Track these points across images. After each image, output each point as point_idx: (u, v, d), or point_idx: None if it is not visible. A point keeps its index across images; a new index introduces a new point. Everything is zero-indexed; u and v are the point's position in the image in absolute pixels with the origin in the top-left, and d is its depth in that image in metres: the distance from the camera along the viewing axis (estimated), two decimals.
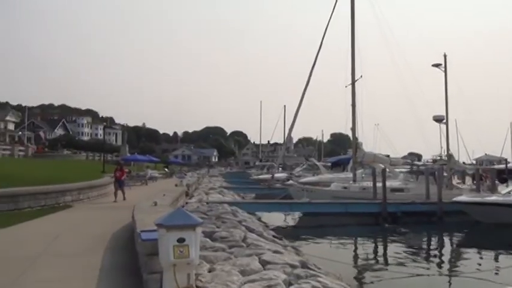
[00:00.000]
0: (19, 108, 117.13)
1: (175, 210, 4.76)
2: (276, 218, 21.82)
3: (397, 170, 28.95)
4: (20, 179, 16.76)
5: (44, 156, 51.69)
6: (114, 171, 19.46)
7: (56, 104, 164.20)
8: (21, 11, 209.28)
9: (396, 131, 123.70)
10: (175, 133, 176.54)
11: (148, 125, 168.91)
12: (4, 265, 6.87)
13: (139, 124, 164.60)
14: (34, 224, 11.56)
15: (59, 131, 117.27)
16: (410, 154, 59.97)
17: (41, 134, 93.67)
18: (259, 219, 19.35)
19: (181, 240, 4.33)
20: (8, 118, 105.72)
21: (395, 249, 15.22)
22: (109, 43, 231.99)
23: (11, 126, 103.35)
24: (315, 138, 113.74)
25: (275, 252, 8.00)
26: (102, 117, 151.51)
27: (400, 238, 17.28)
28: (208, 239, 8.57)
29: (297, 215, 22.92)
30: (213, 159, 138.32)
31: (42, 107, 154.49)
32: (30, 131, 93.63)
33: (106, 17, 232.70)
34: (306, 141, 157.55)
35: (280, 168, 50.89)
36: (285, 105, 66.63)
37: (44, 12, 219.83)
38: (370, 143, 39.67)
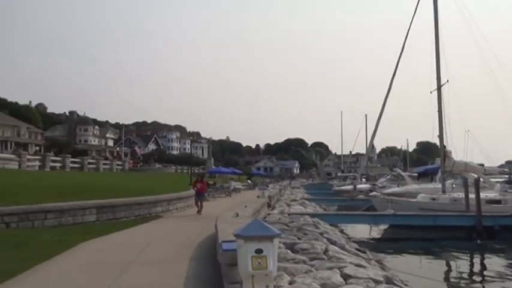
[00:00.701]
0: (117, 126, 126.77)
1: (252, 221, 4.78)
2: (359, 231, 21.13)
3: (492, 179, 26.69)
4: (119, 190, 18.04)
5: (138, 169, 55.33)
6: (194, 183, 19.03)
7: (149, 121, 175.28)
8: (119, 33, 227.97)
9: (490, 138, 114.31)
10: (257, 145, 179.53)
11: (232, 139, 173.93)
12: (102, 270, 7.38)
13: (224, 138, 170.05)
14: (129, 232, 12.32)
15: (151, 146, 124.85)
16: (508, 163, 55.06)
17: (136, 149, 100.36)
18: (341, 231, 18.88)
19: (259, 251, 4.33)
20: (108, 135, 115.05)
21: (493, 267, 13.93)
22: (193, 65, 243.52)
23: (110, 143, 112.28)
24: (399, 147, 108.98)
25: (358, 265, 7.72)
26: (189, 132, 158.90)
27: (497, 255, 15.80)
28: (289, 251, 8.52)
29: (381, 227, 22.01)
30: (295, 171, 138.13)
31: (136, 124, 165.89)
32: (127, 147, 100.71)
33: (180, 39, 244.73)
34: (389, 151, 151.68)
35: (363, 179, 49.42)
36: (366, 114, 64.76)
37: (135, 33, 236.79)
38: (460, 151, 37.02)
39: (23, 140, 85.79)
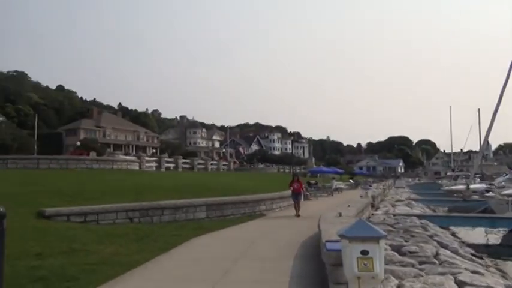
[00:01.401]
0: (222, 128, 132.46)
1: (357, 222, 4.65)
2: (474, 235, 19.39)
3: None
4: (225, 189, 18.86)
5: (243, 169, 57.27)
6: (290, 183, 17.66)
7: (251, 122, 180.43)
8: (232, 40, 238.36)
9: None
10: (358, 144, 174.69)
11: (332, 138, 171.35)
12: (212, 263, 7.78)
13: (324, 137, 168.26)
14: (236, 229, 12.81)
15: (254, 147, 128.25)
16: None
17: (240, 150, 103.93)
18: (453, 234, 17.52)
19: (364, 253, 4.20)
20: (214, 137, 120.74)
21: None
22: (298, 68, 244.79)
23: (216, 144, 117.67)
24: None
25: (474, 272, 7.11)
26: (290, 132, 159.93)
27: None
28: (395, 253, 8.14)
29: (500, 231, 19.95)
30: (399, 170, 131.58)
31: (240, 126, 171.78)
32: (232, 148, 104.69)
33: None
34: (508, 148, 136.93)
35: (477, 179, 45.30)
36: (479, 109, 59.18)
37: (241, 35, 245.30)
38: None
39: (142, 143, 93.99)
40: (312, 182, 33.85)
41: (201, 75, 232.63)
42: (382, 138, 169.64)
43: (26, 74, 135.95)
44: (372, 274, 4.18)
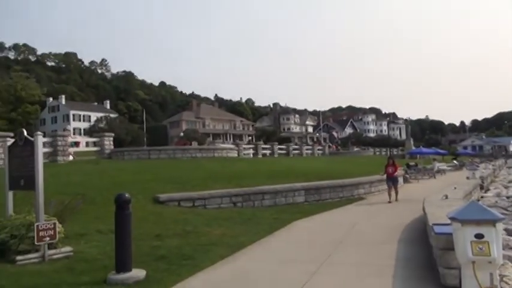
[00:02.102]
0: (314, 113, 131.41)
1: (469, 204, 4.39)
2: None
3: None
4: (322, 173, 18.81)
5: (337, 153, 56.44)
6: (385, 166, 16.22)
7: (344, 106, 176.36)
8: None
9: None
10: (462, 122, 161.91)
11: (432, 117, 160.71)
12: (316, 246, 7.89)
13: (422, 117, 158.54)
14: (335, 213, 12.76)
15: (348, 130, 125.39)
16: None
17: (334, 133, 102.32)
18: None
19: (479, 236, 3.97)
20: (307, 122, 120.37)
21: None
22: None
23: (310, 129, 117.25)
24: None
25: None
26: (385, 113, 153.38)
27: None
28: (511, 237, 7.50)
29: None
30: (511, 149, 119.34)
31: (332, 110, 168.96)
32: (325, 132, 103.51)
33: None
34: None
35: None
36: None
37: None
38: None
39: (238, 132, 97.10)
40: (412, 163, 32.18)
41: (291, 62, 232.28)
42: (489, 114, 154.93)
43: (133, 73, 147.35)
44: (488, 259, 3.94)
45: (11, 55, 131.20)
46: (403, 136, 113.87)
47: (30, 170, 6.59)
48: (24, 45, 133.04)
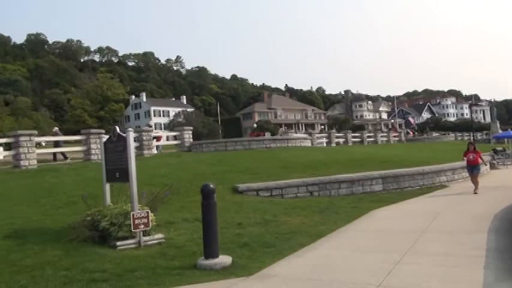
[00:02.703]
0: (388, 98, 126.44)
1: None
2: None
3: None
4: (399, 161, 18.15)
5: (415, 140, 53.85)
6: (464, 152, 14.87)
7: (419, 89, 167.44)
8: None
9: None
10: None
11: None
12: (397, 236, 7.71)
13: (509, 97, 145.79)
14: (416, 202, 12.28)
15: (425, 115, 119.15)
16: None
17: (410, 119, 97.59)
18: None
19: None
20: (381, 109, 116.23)
21: None
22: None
23: (384, 116, 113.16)
24: None
25: None
26: (465, 95, 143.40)
27: None
28: None
29: None
30: None
31: (407, 94, 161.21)
32: (401, 118, 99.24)
33: None
34: None
35: None
36: None
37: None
38: None
39: (310, 121, 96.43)
40: (499, 148, 29.86)
41: (362, 46, 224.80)
42: None
43: (206, 68, 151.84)
44: None
45: (96, 58, 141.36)
46: (487, 119, 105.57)
47: (124, 163, 7.14)
48: (107, 47, 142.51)
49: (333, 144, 33.57)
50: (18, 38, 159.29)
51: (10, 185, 11.65)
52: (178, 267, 5.82)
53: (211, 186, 6.20)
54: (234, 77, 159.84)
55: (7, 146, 16.63)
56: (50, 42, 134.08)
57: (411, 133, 66.18)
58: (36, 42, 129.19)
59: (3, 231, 7.48)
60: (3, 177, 13.26)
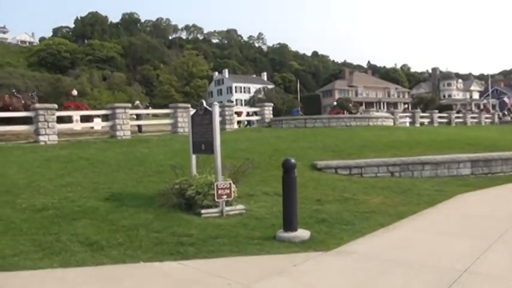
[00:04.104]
0: (481, 77, 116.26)
1: None
2: None
3: None
4: (491, 144, 16.78)
5: (510, 122, 49.13)
6: None
7: None
8: None
9: None
10: None
11: None
12: (485, 222, 7.20)
13: None
14: (507, 188, 11.31)
15: None
16: None
17: (506, 99, 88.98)
18: None
19: None
20: (472, 88, 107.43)
21: None
22: None
23: (475, 95, 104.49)
24: None
25: None
26: None
27: None
28: None
29: None
30: None
31: (503, 72, 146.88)
32: (494, 98, 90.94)
33: None
34: None
35: None
36: None
37: None
38: None
39: (393, 100, 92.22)
40: None
41: (452, 20, 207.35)
42: None
43: (287, 45, 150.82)
44: None
45: (183, 35, 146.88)
46: None
47: (210, 136, 7.44)
48: (194, 25, 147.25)
49: (417, 125, 31.81)
50: (115, 17, 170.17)
51: (108, 154, 12.70)
52: (258, 238, 6.00)
53: (292, 161, 6.24)
54: (314, 53, 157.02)
55: (105, 118, 18.08)
56: (142, 20, 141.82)
57: (507, 115, 60.46)
58: (130, 21, 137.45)
59: (103, 193, 8.25)
60: (102, 146, 14.50)
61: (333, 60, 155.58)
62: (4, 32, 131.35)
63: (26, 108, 17.80)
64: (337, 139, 17.04)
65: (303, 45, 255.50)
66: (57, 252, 5.32)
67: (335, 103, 62.10)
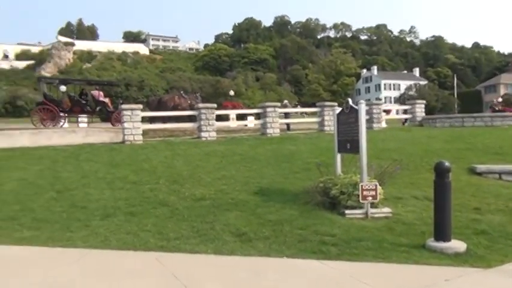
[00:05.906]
0: None
1: None
2: None
3: None
4: None
5: None
6: None
7: None
8: None
9: None
10: None
11: None
12: None
13: None
14: None
15: None
16: None
17: None
18: None
19: None
20: None
21: None
22: None
23: None
24: None
25: None
26: None
27: None
28: None
29: None
30: None
31: None
32: None
33: None
34: None
35: None
36: None
37: None
38: None
39: None
40: None
41: None
42: None
43: (442, 37, 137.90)
44: None
45: (332, 34, 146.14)
46: None
47: (355, 135, 7.18)
48: (342, 23, 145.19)
49: None
50: (267, 21, 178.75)
51: (259, 150, 13.35)
52: (406, 245, 5.55)
53: (446, 164, 5.61)
54: (475, 45, 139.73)
55: (257, 116, 19.08)
56: (292, 22, 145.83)
57: None
58: (281, 23, 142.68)
59: (253, 188, 8.69)
60: (253, 142, 15.33)
61: (498, 51, 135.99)
62: (176, 41, 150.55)
63: (191, 107, 19.95)
64: (501, 140, 14.82)
65: (462, 37, 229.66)
66: (211, 239, 5.79)
67: (500, 99, 54.25)
